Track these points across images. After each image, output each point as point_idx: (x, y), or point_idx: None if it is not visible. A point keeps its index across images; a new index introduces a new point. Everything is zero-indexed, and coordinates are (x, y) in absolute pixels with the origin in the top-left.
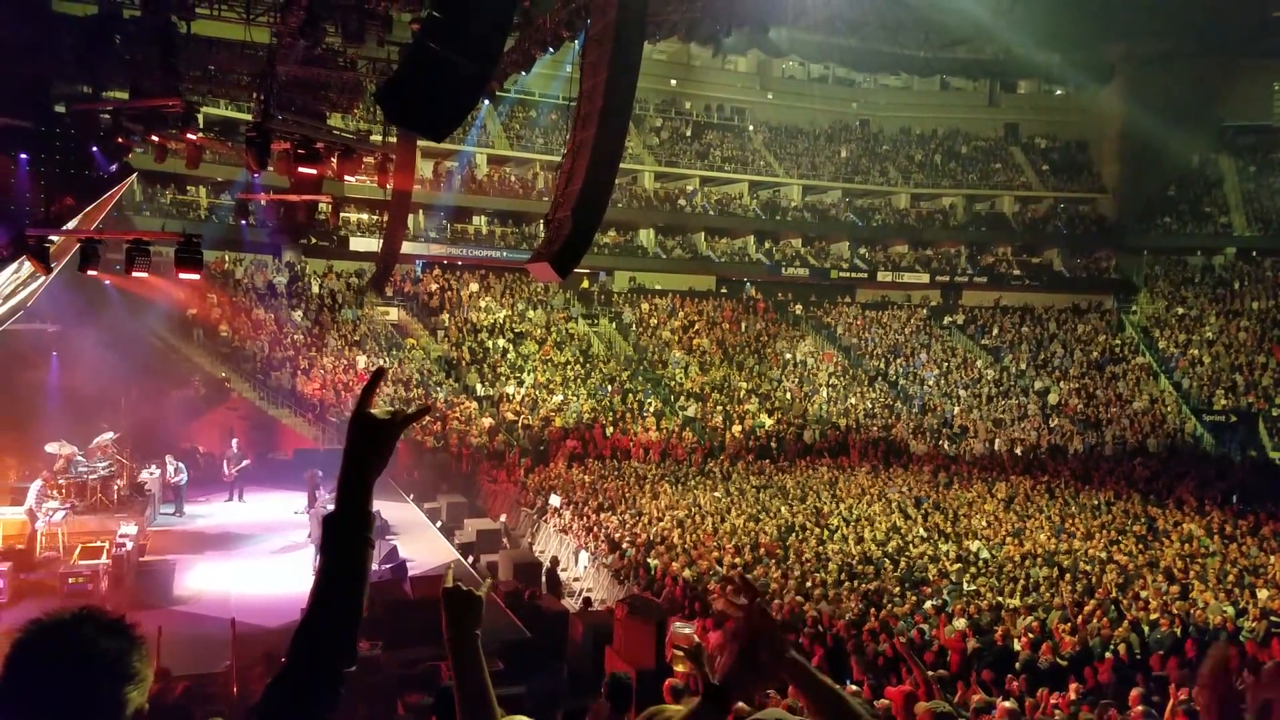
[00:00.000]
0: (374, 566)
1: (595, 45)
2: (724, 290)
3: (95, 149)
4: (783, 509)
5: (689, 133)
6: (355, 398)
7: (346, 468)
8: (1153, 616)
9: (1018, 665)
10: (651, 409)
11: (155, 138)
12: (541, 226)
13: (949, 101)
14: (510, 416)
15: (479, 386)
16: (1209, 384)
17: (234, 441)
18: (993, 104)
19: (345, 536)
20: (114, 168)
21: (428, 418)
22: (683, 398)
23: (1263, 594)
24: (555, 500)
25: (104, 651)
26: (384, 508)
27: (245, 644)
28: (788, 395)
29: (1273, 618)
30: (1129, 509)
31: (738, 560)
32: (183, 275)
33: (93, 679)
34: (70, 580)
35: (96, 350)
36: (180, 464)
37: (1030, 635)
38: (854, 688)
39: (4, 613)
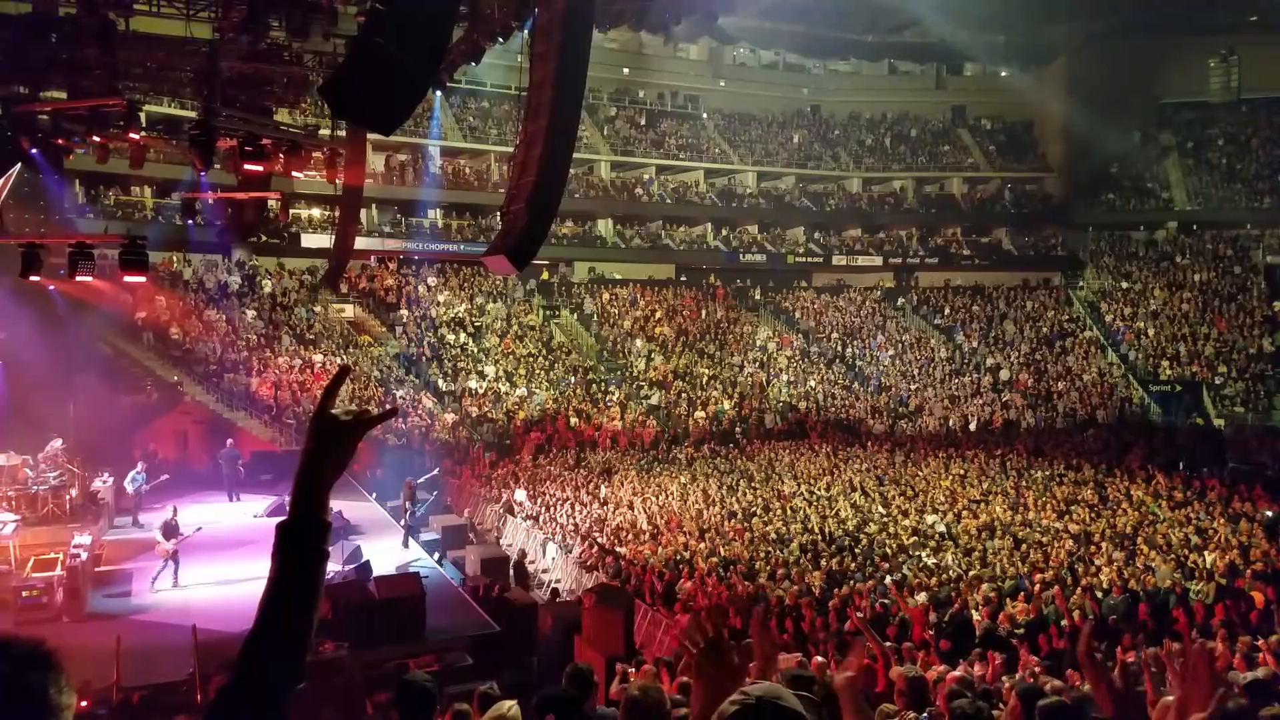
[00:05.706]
0: (339, 567)
1: (544, 36)
2: (684, 278)
3: (34, 151)
4: (747, 492)
5: (643, 121)
6: (314, 398)
7: (303, 472)
8: (1105, 583)
9: (977, 635)
10: (615, 398)
11: (96, 138)
12: (498, 218)
13: (897, 85)
14: (474, 411)
15: (440, 382)
16: (1154, 355)
17: (229, 441)
18: (939, 87)
19: (298, 547)
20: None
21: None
22: (646, 386)
23: (1209, 556)
24: (521, 495)
25: (17, 687)
26: (346, 507)
27: (208, 650)
28: (749, 380)
29: (1219, 579)
30: (1081, 479)
31: (703, 545)
32: (128, 278)
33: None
34: (24, 594)
35: (42, 358)
36: (142, 474)
37: (988, 605)
38: (820, 660)
39: None
